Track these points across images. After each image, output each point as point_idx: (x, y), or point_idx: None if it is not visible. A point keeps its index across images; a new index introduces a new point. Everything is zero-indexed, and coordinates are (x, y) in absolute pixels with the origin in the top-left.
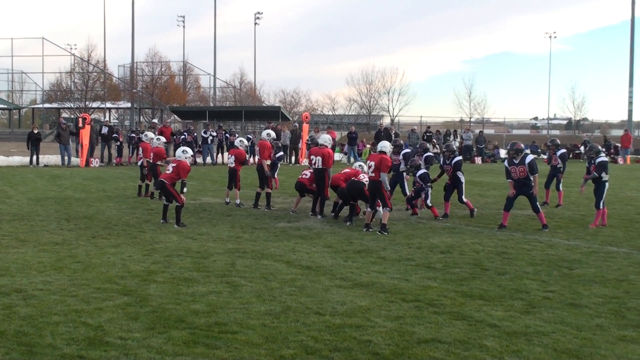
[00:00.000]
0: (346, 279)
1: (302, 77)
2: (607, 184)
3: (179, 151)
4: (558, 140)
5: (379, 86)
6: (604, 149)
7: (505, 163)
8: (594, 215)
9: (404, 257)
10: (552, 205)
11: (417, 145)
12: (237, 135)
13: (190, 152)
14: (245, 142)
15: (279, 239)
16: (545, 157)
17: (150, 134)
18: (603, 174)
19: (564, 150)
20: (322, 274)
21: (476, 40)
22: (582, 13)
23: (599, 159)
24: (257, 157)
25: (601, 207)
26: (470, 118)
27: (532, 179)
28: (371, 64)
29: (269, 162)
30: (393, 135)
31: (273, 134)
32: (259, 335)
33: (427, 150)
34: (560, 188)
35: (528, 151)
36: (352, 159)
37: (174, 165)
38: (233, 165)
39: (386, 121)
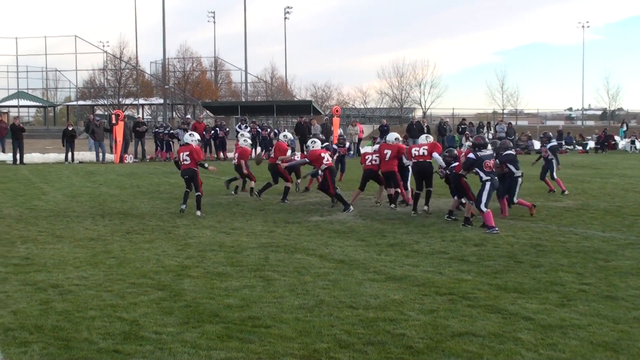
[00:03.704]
0: (379, 273)
1: (333, 70)
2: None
3: (186, 136)
4: (550, 133)
5: (410, 79)
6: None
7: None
8: (627, 206)
9: (437, 250)
10: (558, 193)
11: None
12: (269, 130)
13: (196, 135)
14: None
15: (312, 233)
16: (580, 148)
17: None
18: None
19: (554, 143)
20: (355, 267)
21: (507, 31)
22: (613, 2)
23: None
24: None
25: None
26: (503, 110)
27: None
28: (402, 56)
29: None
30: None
31: (290, 136)
32: (293, 329)
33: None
34: (555, 177)
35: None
36: None
37: (188, 153)
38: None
39: (418, 114)
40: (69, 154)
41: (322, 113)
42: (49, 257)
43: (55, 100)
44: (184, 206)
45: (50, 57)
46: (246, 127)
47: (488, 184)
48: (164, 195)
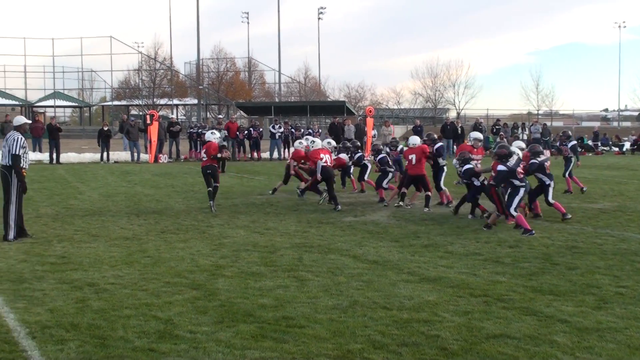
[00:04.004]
0: (413, 274)
1: (366, 71)
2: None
3: (207, 134)
4: (569, 132)
5: (444, 79)
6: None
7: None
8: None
9: (471, 251)
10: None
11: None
12: (302, 130)
13: (217, 134)
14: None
15: (346, 234)
16: (616, 149)
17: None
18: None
19: (574, 142)
20: (389, 268)
21: (542, 31)
22: None
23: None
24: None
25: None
26: (538, 110)
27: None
28: (436, 57)
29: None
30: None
31: (333, 143)
32: (327, 329)
33: (380, 151)
34: (567, 175)
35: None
36: None
37: (205, 150)
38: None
39: (452, 114)
40: (105, 154)
41: (356, 114)
42: (84, 255)
43: (90, 101)
44: (211, 202)
45: (85, 57)
46: (280, 127)
47: (522, 190)
48: (198, 195)
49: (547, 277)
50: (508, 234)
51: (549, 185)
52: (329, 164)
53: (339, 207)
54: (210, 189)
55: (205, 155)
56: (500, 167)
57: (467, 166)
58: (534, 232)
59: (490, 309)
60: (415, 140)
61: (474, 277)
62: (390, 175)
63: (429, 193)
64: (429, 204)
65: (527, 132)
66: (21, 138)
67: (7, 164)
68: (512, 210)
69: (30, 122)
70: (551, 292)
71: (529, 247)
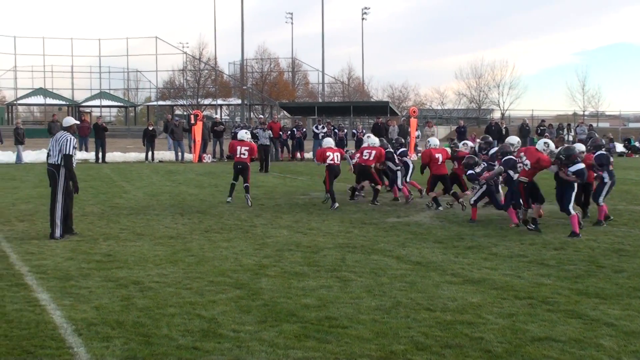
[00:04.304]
0: (457, 275)
1: (410, 71)
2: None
3: (241, 133)
4: (595, 134)
5: (488, 80)
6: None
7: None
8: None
9: (516, 253)
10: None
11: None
12: (345, 131)
13: (249, 134)
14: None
15: (389, 234)
16: None
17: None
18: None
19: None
20: (433, 269)
21: (588, 32)
22: None
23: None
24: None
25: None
26: (584, 111)
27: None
28: (480, 57)
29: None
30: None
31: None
32: (370, 330)
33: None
34: None
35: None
36: None
37: (247, 149)
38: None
39: (496, 115)
40: (149, 153)
41: (399, 114)
42: (130, 254)
43: (136, 101)
44: (229, 199)
45: (131, 58)
46: (323, 127)
47: (576, 186)
48: (242, 195)
49: (593, 280)
50: (553, 236)
51: (606, 183)
52: (336, 162)
53: (336, 205)
54: (234, 182)
55: (246, 154)
56: (578, 167)
57: (470, 171)
58: (580, 235)
59: (535, 311)
60: (435, 141)
61: (518, 279)
62: (399, 173)
63: (454, 191)
64: (459, 200)
65: (572, 133)
66: (73, 138)
67: (56, 163)
68: (570, 208)
69: (78, 122)
70: (597, 295)
71: (575, 250)
